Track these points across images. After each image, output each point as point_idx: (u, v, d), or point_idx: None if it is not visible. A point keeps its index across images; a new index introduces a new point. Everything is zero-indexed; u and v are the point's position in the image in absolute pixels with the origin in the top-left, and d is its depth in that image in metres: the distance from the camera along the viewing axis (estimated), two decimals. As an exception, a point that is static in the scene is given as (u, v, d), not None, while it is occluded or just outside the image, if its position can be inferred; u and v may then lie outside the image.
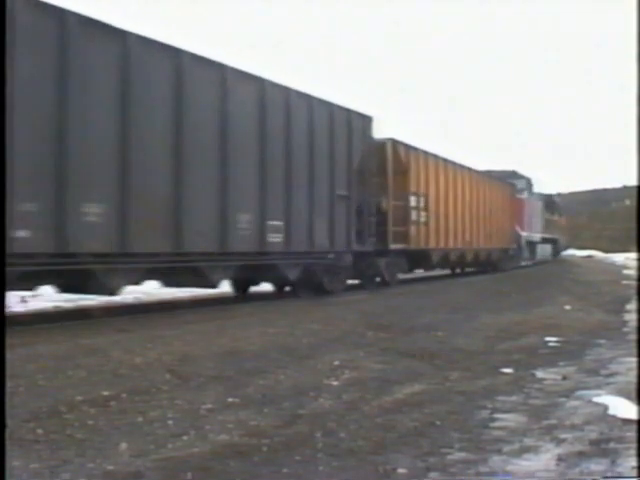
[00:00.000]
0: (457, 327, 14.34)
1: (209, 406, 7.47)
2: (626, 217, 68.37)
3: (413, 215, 26.00)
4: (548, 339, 12.87)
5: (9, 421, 6.58)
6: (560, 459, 6.11)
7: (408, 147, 25.98)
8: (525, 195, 43.95)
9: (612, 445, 6.50)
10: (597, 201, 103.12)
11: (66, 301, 16.45)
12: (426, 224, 27.12)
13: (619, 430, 6.99)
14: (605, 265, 52.94)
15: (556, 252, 58.67)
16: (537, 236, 47.23)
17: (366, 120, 22.57)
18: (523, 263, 44.16)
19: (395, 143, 25.10)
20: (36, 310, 16.05)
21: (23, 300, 16.51)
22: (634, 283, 25.81)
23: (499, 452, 6.25)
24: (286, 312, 16.21)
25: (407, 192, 25.50)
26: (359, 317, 15.19)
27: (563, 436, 6.78)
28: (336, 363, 10.05)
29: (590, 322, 15.85)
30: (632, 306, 18.49)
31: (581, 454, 6.24)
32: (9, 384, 8.02)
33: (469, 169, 32.96)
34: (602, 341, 12.96)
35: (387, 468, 5.79)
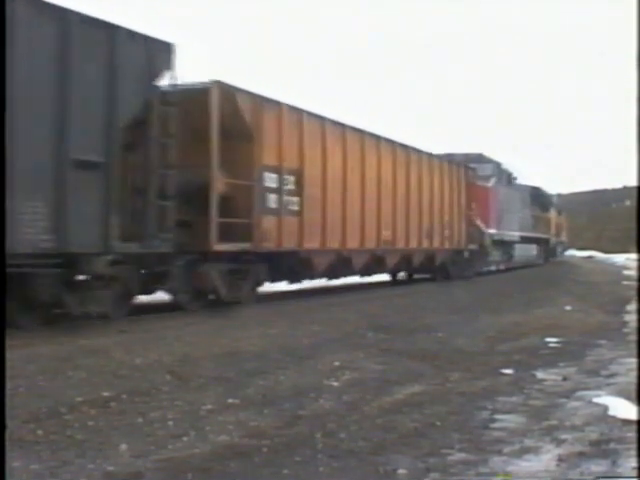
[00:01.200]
0: (458, 329, 14.34)
1: (209, 407, 7.47)
2: (626, 218, 65.98)
3: (269, 201, 17.55)
4: (548, 340, 12.87)
5: (9, 422, 6.59)
6: (560, 460, 6.11)
7: (258, 99, 17.31)
8: (492, 183, 35.35)
9: (612, 446, 6.50)
10: (597, 201, 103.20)
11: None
12: (299, 214, 18.71)
13: (619, 431, 6.99)
14: (605, 266, 52.80)
15: (548, 254, 53.52)
16: (514, 235, 39.77)
17: (156, 48, 14.12)
18: (493, 267, 36.81)
19: (228, 91, 16.40)
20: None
21: None
22: (634, 284, 25.78)
23: (499, 453, 6.25)
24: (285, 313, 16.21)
25: (256, 166, 17.11)
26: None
27: (563, 437, 6.79)
28: (336, 364, 10.05)
29: (590, 323, 15.84)
30: (632, 307, 18.48)
31: (581, 455, 6.25)
32: (9, 385, 8.02)
33: (393, 143, 24.29)
34: (602, 342, 12.96)
35: (387, 469, 5.79)
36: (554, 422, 7.33)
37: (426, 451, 6.24)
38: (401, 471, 5.75)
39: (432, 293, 23.89)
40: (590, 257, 71.64)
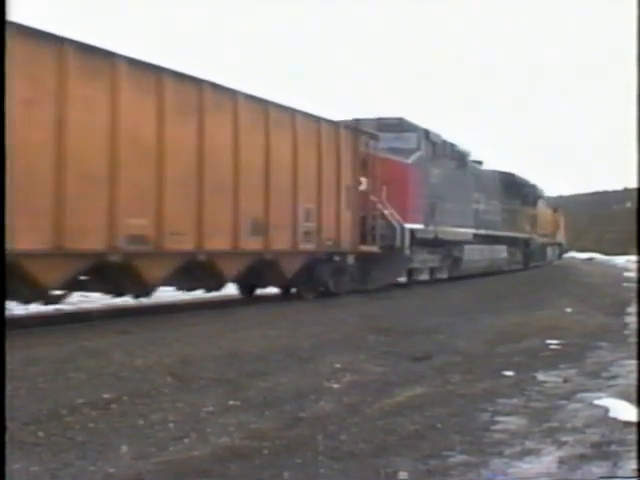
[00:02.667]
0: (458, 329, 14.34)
1: (210, 409, 7.47)
2: (627, 219, 64.58)
3: None
4: (549, 342, 12.87)
5: (10, 424, 6.58)
6: (561, 462, 6.11)
7: None
8: (413, 159, 25.56)
9: (613, 448, 6.50)
10: (598, 203, 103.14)
11: (67, 303, 16.42)
12: None
13: (620, 433, 6.99)
14: (606, 268, 52.79)
15: (529, 258, 45.25)
16: (464, 232, 30.33)
17: None
18: (424, 277, 28.01)
19: None
20: (37, 312, 16.04)
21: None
22: (634, 286, 25.78)
23: (500, 455, 6.25)
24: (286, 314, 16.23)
25: None
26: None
27: (564, 439, 6.78)
28: (337, 366, 10.05)
29: (591, 325, 15.85)
30: (633, 309, 18.47)
31: (582, 457, 6.25)
32: (10, 387, 8.01)
33: (235, 94, 16.77)
34: (603, 344, 12.96)
35: (388, 471, 5.79)
36: (555, 424, 7.33)
37: (427, 453, 6.23)
38: (402, 473, 5.75)
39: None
40: (591, 259, 71.65)
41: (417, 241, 25.32)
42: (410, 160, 25.45)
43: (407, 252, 24.33)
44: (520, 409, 7.99)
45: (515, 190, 41.11)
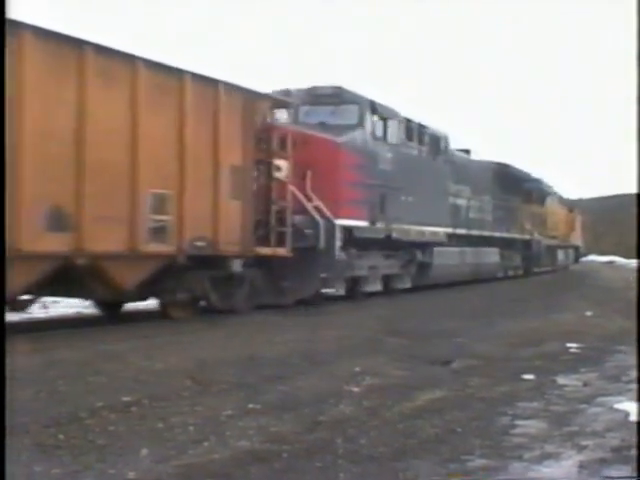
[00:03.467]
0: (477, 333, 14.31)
1: (229, 412, 7.48)
2: None
3: None
4: (569, 345, 12.82)
5: (31, 426, 6.64)
6: (581, 466, 6.09)
7: None
8: (347, 139, 20.17)
9: (633, 452, 6.47)
10: (619, 206, 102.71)
11: (87, 307, 16.50)
12: None
13: (640, 437, 6.95)
14: (626, 271, 52.46)
15: (531, 262, 39.81)
16: (434, 232, 25.36)
17: None
18: (373, 289, 22.12)
19: None
20: (57, 316, 16.12)
21: (44, 306, 16.56)
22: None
23: (520, 459, 6.24)
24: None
25: None
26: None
27: (584, 443, 6.76)
28: (356, 369, 10.04)
29: (610, 328, 15.77)
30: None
31: (602, 461, 6.22)
32: (30, 390, 8.10)
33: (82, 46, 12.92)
34: (623, 347, 12.89)
35: (408, 475, 5.79)
36: (575, 428, 7.30)
37: (446, 457, 6.22)
38: (422, 477, 5.75)
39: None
40: (611, 262, 71.22)
41: (358, 242, 20.39)
42: (343, 139, 19.92)
43: (338, 255, 19.04)
44: (540, 413, 7.97)
45: (513, 184, 35.75)
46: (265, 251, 17.09)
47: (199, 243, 15.17)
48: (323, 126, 20.22)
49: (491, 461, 6.14)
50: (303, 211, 18.42)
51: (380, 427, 7.12)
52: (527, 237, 38.85)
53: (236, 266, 16.31)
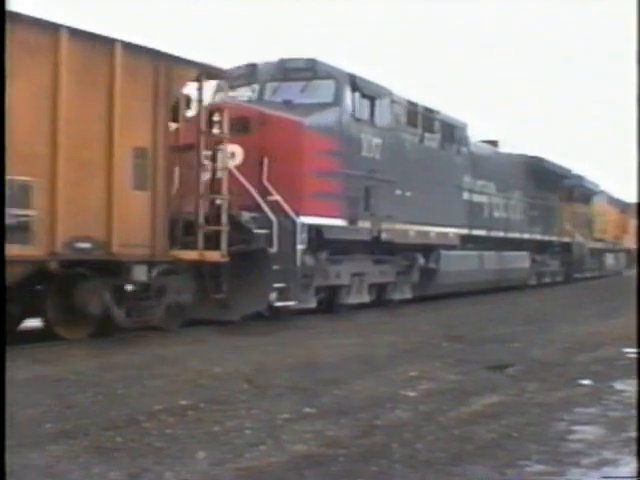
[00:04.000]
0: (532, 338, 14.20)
1: (286, 416, 7.50)
2: None
3: None
4: (626, 350, 12.68)
5: (89, 429, 6.72)
6: (640, 473, 6.02)
7: None
8: (316, 119, 17.04)
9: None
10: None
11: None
12: None
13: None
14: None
15: (572, 267, 35.64)
16: (442, 233, 21.95)
17: None
18: (353, 300, 18.55)
19: None
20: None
21: None
22: None
23: (577, 465, 6.18)
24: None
25: None
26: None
27: (643, 449, 6.68)
28: (412, 374, 10.03)
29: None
30: None
31: (662, 467, 6.15)
32: (88, 393, 8.21)
33: None
34: (682, 353, 12.72)
35: (464, 480, 5.77)
36: (633, 434, 7.21)
37: (503, 462, 6.19)
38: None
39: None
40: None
41: (335, 244, 17.40)
42: (309, 119, 16.65)
43: (301, 260, 15.75)
44: (597, 419, 7.89)
45: (550, 181, 31.99)
46: (188, 255, 13.75)
47: (82, 245, 12.08)
48: (289, 105, 17.02)
49: (548, 467, 6.10)
50: (257, 207, 15.35)
51: (436, 432, 7.10)
52: (567, 239, 34.81)
53: (139, 273, 12.94)
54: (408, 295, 20.95)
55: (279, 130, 16.08)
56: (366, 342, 13.08)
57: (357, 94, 17.95)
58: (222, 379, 9.40)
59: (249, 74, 17.96)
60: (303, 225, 15.78)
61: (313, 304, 16.84)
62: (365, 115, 18.39)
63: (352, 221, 17.63)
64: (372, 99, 18.58)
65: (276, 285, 15.09)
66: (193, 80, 14.23)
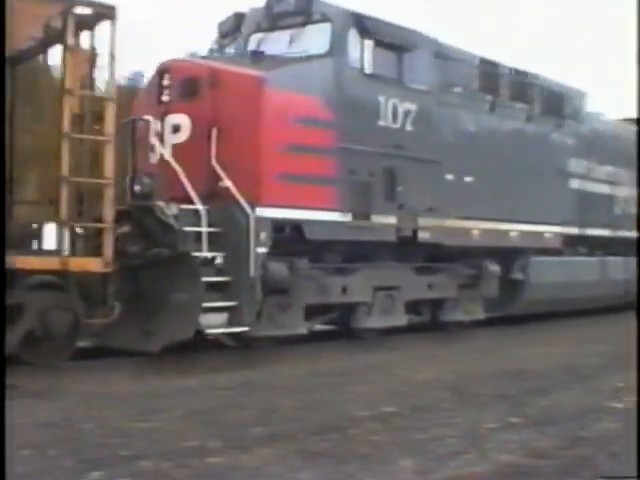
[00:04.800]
0: None
1: (490, 425, 7.44)
2: None
3: None
4: None
5: (296, 434, 6.88)
6: None
7: None
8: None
9: None
10: None
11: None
12: None
13: None
14: None
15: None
16: (533, 232, 17.05)
17: None
18: (374, 324, 13.92)
19: None
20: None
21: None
22: None
23: None
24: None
25: None
26: None
27: None
28: (619, 384, 9.77)
29: None
30: None
31: None
32: (296, 398, 8.40)
33: None
34: None
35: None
36: None
37: None
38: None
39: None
40: None
41: (336, 246, 13.33)
42: (272, 74, 12.38)
43: (255, 269, 11.51)
44: None
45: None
46: (34, 263, 10.28)
47: None
48: (258, 58, 13.08)
49: None
50: (207, 197, 11.73)
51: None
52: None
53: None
54: (478, 315, 15.98)
55: (234, 92, 12.10)
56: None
57: (369, 42, 13.34)
58: (424, 387, 9.42)
59: (235, 27, 14.14)
60: (262, 219, 11.69)
61: (302, 329, 12.75)
62: (386, 71, 13.72)
63: (360, 215, 13.21)
64: (399, 50, 14.00)
65: (211, 304, 11.14)
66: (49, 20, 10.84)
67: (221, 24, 14.34)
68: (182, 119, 12.15)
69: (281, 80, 12.35)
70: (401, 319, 14.17)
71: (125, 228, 11.05)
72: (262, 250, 11.64)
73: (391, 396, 8.77)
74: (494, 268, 15.94)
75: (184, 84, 12.30)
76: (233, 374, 10.30)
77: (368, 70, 13.30)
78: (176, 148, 12.01)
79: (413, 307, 14.74)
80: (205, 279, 11.06)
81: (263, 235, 11.65)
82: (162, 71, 12.55)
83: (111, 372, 10.33)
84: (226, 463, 5.96)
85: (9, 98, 10.69)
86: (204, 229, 11.19)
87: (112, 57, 10.69)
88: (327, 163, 12.75)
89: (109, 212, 10.58)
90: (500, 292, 16.17)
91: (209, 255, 11.29)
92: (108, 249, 10.48)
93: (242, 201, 11.52)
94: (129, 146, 11.97)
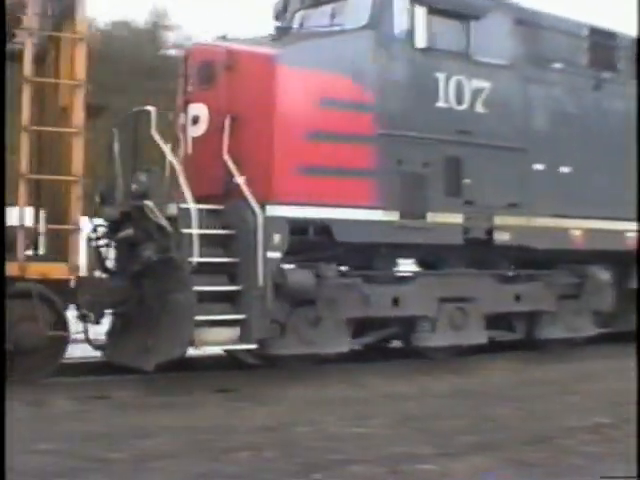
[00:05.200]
0: None
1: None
2: None
3: None
4: None
5: (506, 442, 6.87)
6: None
7: None
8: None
9: None
10: None
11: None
12: None
13: None
14: None
15: None
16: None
17: None
18: (430, 343, 11.56)
19: None
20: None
21: None
22: None
23: None
24: None
25: None
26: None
27: None
28: None
29: None
30: None
31: None
32: (509, 408, 8.39)
33: None
34: None
35: None
36: None
37: None
38: None
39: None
40: None
41: (365, 249, 11.11)
42: (288, 51, 10.74)
43: (263, 277, 9.81)
44: None
45: None
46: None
47: None
48: (283, 35, 11.41)
49: None
50: (223, 196, 10.35)
51: None
52: None
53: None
54: (587, 331, 13.32)
55: (248, 74, 10.55)
56: None
57: (421, 10, 11.29)
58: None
59: (284, 6, 12.53)
60: (274, 219, 10.05)
61: (344, 347, 10.91)
62: (446, 43, 11.68)
63: (411, 213, 11.18)
64: (464, 18, 11.87)
65: (213, 317, 9.66)
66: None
67: (275, 5, 12.72)
68: (201, 109, 10.76)
69: (300, 57, 10.63)
70: (478, 336, 11.94)
71: (128, 231, 10.08)
72: (275, 255, 9.99)
73: (603, 406, 8.60)
74: (603, 276, 13.20)
75: (202, 70, 10.96)
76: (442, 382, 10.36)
77: (421, 43, 11.29)
78: (195, 141, 10.77)
79: (498, 322, 12.43)
80: (198, 288, 9.51)
81: (277, 237, 10.00)
82: (185, 57, 11.52)
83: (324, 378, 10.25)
84: (438, 471, 6.02)
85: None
86: (194, 231, 9.55)
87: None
88: (363, 152, 10.82)
89: (75, 212, 9.54)
90: (617, 304, 13.35)
91: (200, 260, 9.56)
92: (74, 254, 9.48)
93: (250, 198, 9.92)
94: (132, 140, 10.93)
